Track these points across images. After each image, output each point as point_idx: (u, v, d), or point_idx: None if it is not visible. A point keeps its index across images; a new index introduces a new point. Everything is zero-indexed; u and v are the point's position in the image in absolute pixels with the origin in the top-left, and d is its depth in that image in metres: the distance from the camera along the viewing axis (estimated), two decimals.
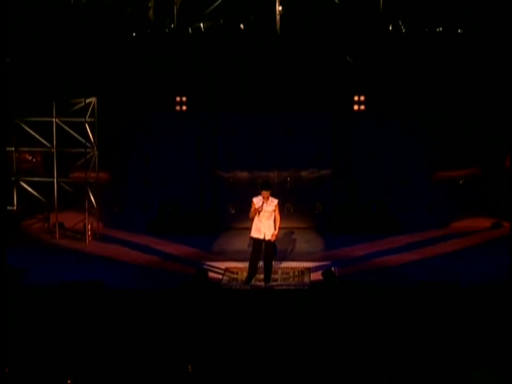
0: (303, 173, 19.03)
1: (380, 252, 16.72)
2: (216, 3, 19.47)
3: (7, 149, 17.34)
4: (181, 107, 19.07)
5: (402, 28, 19.31)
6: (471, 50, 18.72)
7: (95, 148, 17.57)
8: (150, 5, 19.93)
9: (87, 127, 17.39)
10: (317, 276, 15.17)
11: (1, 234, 11.75)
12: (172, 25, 19.41)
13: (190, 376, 11.94)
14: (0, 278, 11.45)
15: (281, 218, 14.95)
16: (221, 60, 19.38)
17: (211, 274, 15.22)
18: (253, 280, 14.88)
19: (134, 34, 19.32)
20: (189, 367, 12.07)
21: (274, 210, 14.75)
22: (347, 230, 18.12)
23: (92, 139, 17.52)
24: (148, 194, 18.89)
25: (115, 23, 19.43)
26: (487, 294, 13.74)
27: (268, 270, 14.88)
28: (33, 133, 17.40)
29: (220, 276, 15.36)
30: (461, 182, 18.92)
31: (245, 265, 15.19)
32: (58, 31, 18.41)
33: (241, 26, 19.80)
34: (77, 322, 13.07)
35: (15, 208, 17.43)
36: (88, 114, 17.40)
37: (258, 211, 14.65)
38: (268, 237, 14.72)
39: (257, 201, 14.73)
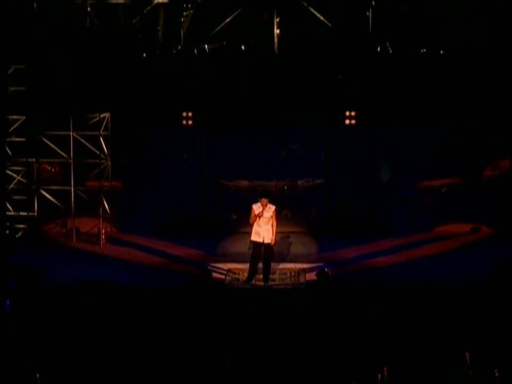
0: (299, 182, 19.03)
1: (370, 253, 16.74)
2: (219, 26, 19.57)
3: (29, 160, 17.53)
4: (187, 121, 19.14)
5: (390, 49, 19.40)
6: (452, 69, 18.85)
7: (109, 159, 17.64)
8: (158, 28, 20.02)
9: (101, 140, 17.47)
10: (311, 276, 15.24)
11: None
12: (179, 47, 19.49)
13: (195, 369, 11.97)
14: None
15: (278, 223, 15.07)
16: (224, 78, 19.46)
17: (215, 274, 15.31)
18: (253, 280, 15.00)
19: (144, 55, 19.42)
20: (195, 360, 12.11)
21: (272, 216, 14.85)
22: (340, 233, 18.10)
23: (106, 151, 17.58)
24: (157, 201, 18.90)
25: (127, 44, 19.52)
26: (469, 292, 13.85)
27: (267, 271, 14.98)
28: (53, 146, 17.45)
29: (223, 276, 15.44)
30: (443, 190, 18.98)
31: (245, 266, 15.28)
32: (75, 53, 18.50)
33: (242, 47, 19.88)
34: (92, 318, 13.13)
35: (35, 214, 17.49)
36: (102, 128, 17.48)
37: (258, 216, 14.76)
38: (266, 240, 14.81)
39: (256, 207, 14.84)
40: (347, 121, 18.99)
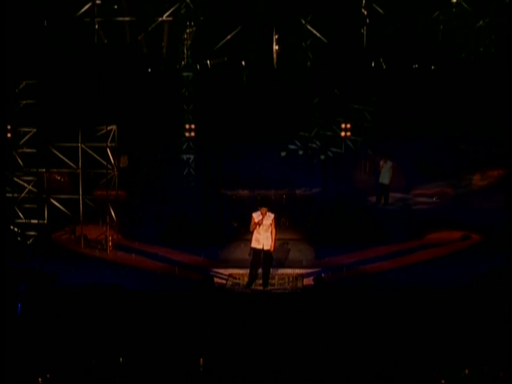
0: (297, 191, 19.15)
1: (364, 260, 16.75)
2: (221, 43, 19.75)
3: (39, 170, 17.63)
4: (190, 134, 19.25)
5: (383, 64, 19.55)
6: (440, 84, 19.02)
7: (115, 169, 17.72)
8: (163, 44, 20.17)
9: (108, 151, 17.56)
10: (308, 281, 15.34)
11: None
12: (182, 62, 19.63)
13: (200, 370, 12.01)
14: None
15: (276, 230, 15.17)
16: (225, 91, 19.60)
17: (216, 279, 15.39)
18: (253, 284, 15.10)
19: (149, 70, 19.54)
20: (200, 360, 12.14)
21: (271, 224, 14.94)
22: (335, 240, 18.11)
23: (112, 161, 17.64)
24: (161, 210, 19.04)
25: (133, 61, 19.66)
26: (459, 295, 13.90)
27: (266, 276, 15.07)
28: (62, 157, 17.54)
29: (224, 281, 15.53)
30: (434, 198, 19.07)
31: (246, 271, 15.38)
32: (83, 68, 18.64)
33: (243, 63, 20.04)
34: (99, 320, 13.20)
35: (46, 221, 17.56)
36: (109, 140, 17.57)
37: (258, 224, 14.84)
38: (266, 247, 14.91)
39: (256, 216, 14.93)
40: (342, 133, 19.12)
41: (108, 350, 12.43)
